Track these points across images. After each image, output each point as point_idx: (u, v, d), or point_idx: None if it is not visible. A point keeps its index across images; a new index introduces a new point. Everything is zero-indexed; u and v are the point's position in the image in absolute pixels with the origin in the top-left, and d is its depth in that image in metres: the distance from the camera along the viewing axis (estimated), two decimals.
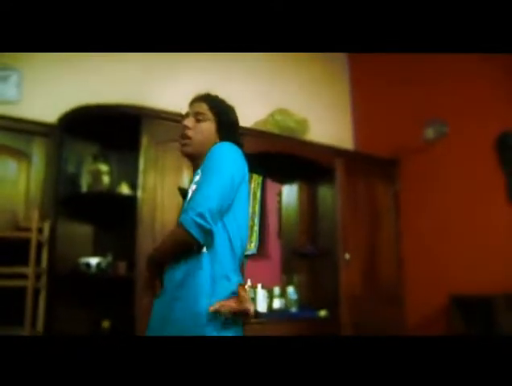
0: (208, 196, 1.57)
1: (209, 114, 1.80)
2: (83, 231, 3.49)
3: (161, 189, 3.33)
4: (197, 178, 1.67)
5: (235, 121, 1.89)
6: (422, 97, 4.34)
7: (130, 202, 3.25)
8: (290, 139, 4.00)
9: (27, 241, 2.95)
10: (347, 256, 3.98)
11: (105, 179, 3.35)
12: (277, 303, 3.88)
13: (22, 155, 3.59)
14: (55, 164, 3.57)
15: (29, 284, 2.84)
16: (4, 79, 3.54)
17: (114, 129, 3.46)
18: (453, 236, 4.02)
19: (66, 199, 3.40)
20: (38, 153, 3.62)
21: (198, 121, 1.79)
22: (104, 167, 3.37)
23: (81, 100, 3.53)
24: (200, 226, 1.53)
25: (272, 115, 4.08)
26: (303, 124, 4.17)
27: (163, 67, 4.02)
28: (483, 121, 3.88)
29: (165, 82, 4.02)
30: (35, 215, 3.03)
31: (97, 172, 3.35)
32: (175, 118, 3.37)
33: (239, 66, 4.38)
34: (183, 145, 1.79)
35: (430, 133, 4.06)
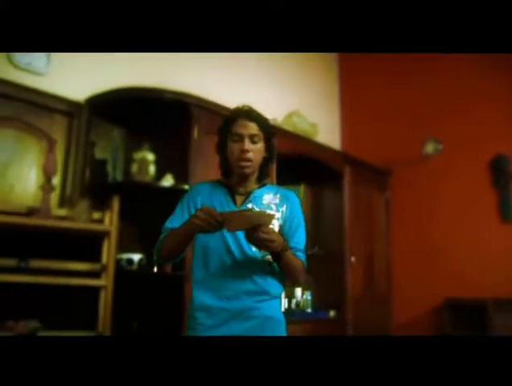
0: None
1: (261, 135, 1.90)
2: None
3: None
4: (282, 210, 1.92)
5: (274, 137, 2.03)
6: (418, 112, 4.64)
7: (177, 194, 3.08)
8: (308, 141, 4.06)
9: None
10: (353, 258, 4.14)
11: (151, 169, 3.15)
12: (284, 303, 3.92)
13: (42, 134, 3.27)
14: (82, 147, 3.30)
15: (104, 282, 2.59)
16: None
17: (153, 116, 3.27)
18: (443, 245, 4.36)
19: (119, 187, 3.14)
20: (59, 133, 3.32)
21: (254, 143, 1.88)
22: (150, 156, 3.16)
23: (112, 81, 3.30)
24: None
25: (290, 116, 4.11)
26: (314, 127, 4.25)
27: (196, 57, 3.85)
28: (479, 141, 4.27)
29: (199, 73, 3.87)
30: (115, 205, 2.75)
31: (143, 161, 3.13)
32: (221, 112, 3.31)
33: (253, 66, 4.35)
34: (246, 167, 1.88)
35: (429, 148, 4.36)
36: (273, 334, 1.80)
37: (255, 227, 1.64)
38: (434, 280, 4.34)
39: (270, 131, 1.94)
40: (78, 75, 3.33)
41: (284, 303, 3.81)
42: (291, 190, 2.03)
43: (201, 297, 1.81)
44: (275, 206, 1.91)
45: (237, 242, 1.82)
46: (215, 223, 1.64)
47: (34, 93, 3.17)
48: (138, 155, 3.18)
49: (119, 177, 3.28)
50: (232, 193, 1.92)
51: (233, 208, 1.86)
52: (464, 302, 4.06)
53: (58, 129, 3.32)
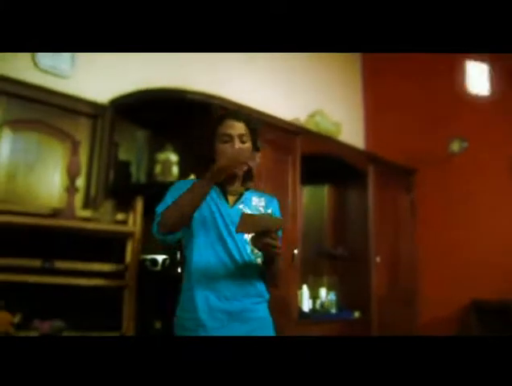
0: None
1: (248, 134, 1.92)
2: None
3: None
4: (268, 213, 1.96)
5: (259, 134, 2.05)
6: (443, 110, 4.57)
7: None
8: (332, 141, 4.03)
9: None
10: (378, 259, 4.10)
11: (175, 170, 3.16)
12: (309, 304, 3.89)
13: (66, 135, 3.30)
14: (107, 149, 3.32)
15: (128, 282, 2.61)
16: None
17: (176, 117, 3.28)
18: (470, 244, 4.29)
19: (143, 188, 3.16)
20: (83, 135, 3.35)
21: (243, 142, 1.89)
22: (174, 157, 3.17)
23: (135, 82, 3.31)
24: None
25: (312, 116, 4.09)
26: (338, 126, 4.21)
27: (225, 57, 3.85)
28: (505, 139, 4.21)
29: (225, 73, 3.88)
30: (139, 205, 2.77)
31: (166, 162, 3.14)
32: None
33: (275, 67, 4.33)
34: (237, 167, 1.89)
35: (455, 146, 4.30)
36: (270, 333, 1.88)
37: (265, 232, 1.66)
38: (460, 280, 4.25)
39: (256, 130, 1.96)
40: (102, 77, 3.35)
41: (309, 303, 3.79)
42: (272, 196, 2.07)
43: (203, 298, 1.80)
44: (262, 208, 1.95)
45: (236, 244, 1.84)
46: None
47: (58, 96, 3.20)
48: (161, 156, 3.18)
49: (143, 178, 3.30)
50: (223, 192, 1.92)
51: (226, 207, 1.88)
52: (491, 304, 3.99)
53: (82, 131, 3.35)
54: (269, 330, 1.88)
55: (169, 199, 1.86)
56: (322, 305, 3.96)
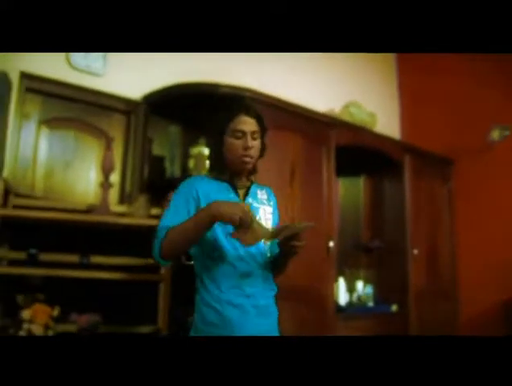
0: None
1: (259, 132, 1.90)
2: None
3: (263, 178, 3.17)
4: (271, 204, 1.97)
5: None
6: (482, 98, 4.44)
7: None
8: (367, 131, 3.97)
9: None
10: (415, 251, 4.02)
11: (208, 163, 3.16)
12: (346, 297, 3.85)
13: (101, 132, 3.35)
14: (140, 144, 3.36)
15: (162, 277, 2.63)
16: None
17: (209, 111, 3.28)
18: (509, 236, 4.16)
19: (175, 182, 3.14)
20: (117, 131, 3.40)
21: (254, 139, 1.88)
22: (206, 151, 3.18)
23: (168, 79, 3.33)
24: None
25: (347, 107, 4.04)
26: (373, 117, 4.15)
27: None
28: None
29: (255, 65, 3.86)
30: None
31: (200, 156, 3.16)
32: (277, 104, 3.29)
33: (308, 57, 4.28)
34: (248, 163, 1.88)
35: (495, 134, 4.17)
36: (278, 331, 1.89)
37: (293, 236, 1.68)
38: (503, 275, 4.12)
39: (265, 128, 1.96)
40: (134, 74, 3.40)
41: (345, 297, 3.75)
42: (268, 186, 2.06)
43: (230, 295, 1.76)
44: (266, 201, 1.97)
45: None
46: (248, 220, 1.62)
47: (92, 94, 3.27)
48: (194, 150, 3.20)
49: (177, 172, 3.33)
50: (233, 186, 1.91)
51: (237, 200, 1.86)
52: None
53: (116, 128, 3.41)
54: (277, 327, 1.91)
55: (180, 207, 1.83)
56: (359, 298, 3.92)
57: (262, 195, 1.98)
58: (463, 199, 4.52)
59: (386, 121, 4.69)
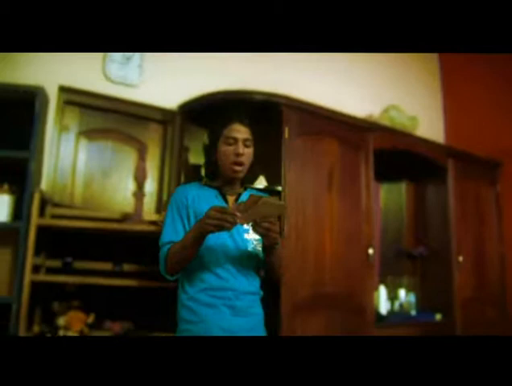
0: None
1: (252, 140, 1.96)
2: None
3: (300, 184, 3.15)
4: None
5: None
6: None
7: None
8: (408, 135, 3.87)
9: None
10: (460, 258, 3.88)
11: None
12: (387, 305, 3.75)
13: (138, 142, 3.41)
14: (177, 153, 3.39)
15: None
16: (126, 60, 3.32)
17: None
18: None
19: None
20: (154, 141, 3.44)
21: (246, 147, 1.93)
22: None
23: (202, 88, 3.35)
24: None
25: (386, 110, 3.96)
26: (413, 121, 4.05)
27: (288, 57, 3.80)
28: None
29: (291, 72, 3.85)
30: None
31: None
32: (313, 111, 3.25)
33: (346, 61, 4.23)
34: (239, 171, 1.92)
35: None
36: (265, 332, 1.92)
37: (266, 217, 1.69)
38: None
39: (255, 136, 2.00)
40: (169, 83, 3.44)
41: (386, 305, 3.66)
42: (267, 193, 2.04)
43: (205, 296, 1.79)
44: None
45: (237, 245, 1.86)
46: (232, 220, 1.64)
47: (129, 104, 3.32)
48: None
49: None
50: (222, 193, 1.94)
51: (226, 208, 1.84)
52: None
53: (153, 137, 3.46)
54: (263, 328, 1.92)
55: (176, 221, 1.88)
56: (401, 306, 3.81)
57: None
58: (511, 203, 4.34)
59: (429, 124, 4.55)
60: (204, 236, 1.73)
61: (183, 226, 1.85)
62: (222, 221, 1.63)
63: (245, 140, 1.93)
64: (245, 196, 1.95)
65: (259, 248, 1.89)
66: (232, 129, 1.93)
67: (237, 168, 1.91)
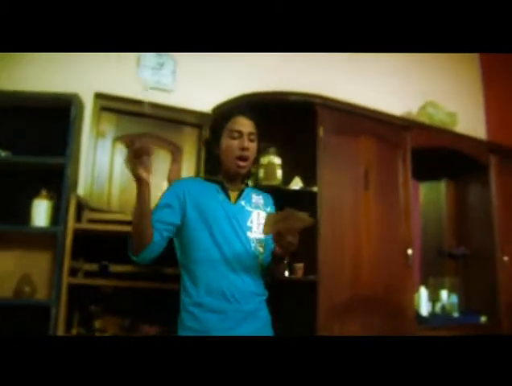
0: None
1: (256, 134, 1.90)
2: None
3: (336, 184, 3.11)
4: (267, 210, 1.94)
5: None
6: None
7: (307, 197, 3.03)
8: (446, 132, 3.77)
9: None
10: (505, 258, 3.76)
11: (278, 173, 3.14)
12: (428, 307, 3.65)
13: (174, 146, 3.43)
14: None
15: None
16: (160, 65, 3.35)
17: (278, 119, 3.26)
18: None
19: None
20: (189, 144, 3.46)
21: (251, 141, 1.87)
22: (277, 160, 3.15)
23: (236, 90, 3.35)
24: None
25: (424, 107, 3.87)
26: (452, 117, 3.94)
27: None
28: None
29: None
30: None
31: (270, 165, 3.13)
32: (349, 110, 3.21)
33: (382, 58, 4.15)
34: (244, 166, 1.87)
35: None
36: (272, 333, 1.85)
37: (290, 230, 1.64)
38: None
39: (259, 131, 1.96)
40: (202, 87, 3.46)
41: (428, 307, 3.57)
42: (268, 193, 2.06)
43: (212, 299, 1.71)
44: (262, 206, 1.94)
45: (240, 240, 1.80)
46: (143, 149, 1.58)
47: (163, 109, 3.35)
48: (264, 159, 3.16)
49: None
50: (224, 189, 1.88)
51: (229, 203, 1.84)
52: None
53: (188, 141, 3.48)
54: (270, 329, 1.86)
55: (156, 206, 1.83)
56: (443, 308, 3.70)
57: (257, 199, 1.95)
58: None
59: (469, 122, 4.41)
60: (141, 189, 1.65)
61: (168, 209, 1.78)
62: (137, 164, 1.59)
63: (249, 134, 1.88)
64: (247, 194, 1.93)
65: (259, 249, 1.84)
66: (236, 122, 1.89)
67: (242, 163, 1.86)
